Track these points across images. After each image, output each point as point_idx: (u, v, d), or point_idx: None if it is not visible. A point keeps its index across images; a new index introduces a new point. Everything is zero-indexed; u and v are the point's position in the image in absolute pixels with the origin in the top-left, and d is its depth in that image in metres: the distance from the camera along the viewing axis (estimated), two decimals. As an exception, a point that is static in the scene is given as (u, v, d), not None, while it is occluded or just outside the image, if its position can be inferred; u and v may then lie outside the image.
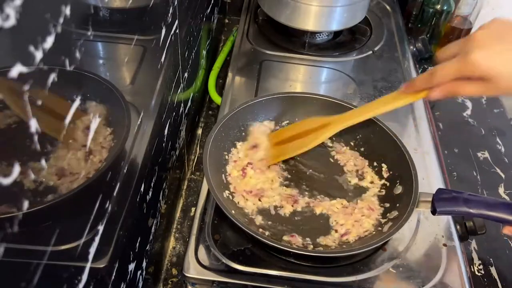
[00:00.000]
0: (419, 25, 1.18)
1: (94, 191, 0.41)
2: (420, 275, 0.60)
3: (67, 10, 0.32)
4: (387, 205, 0.64)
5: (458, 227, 0.66)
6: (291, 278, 0.58)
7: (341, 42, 1.03)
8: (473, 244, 0.77)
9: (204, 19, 0.89)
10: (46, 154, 0.34)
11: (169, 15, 0.58)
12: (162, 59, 0.58)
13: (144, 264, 0.60)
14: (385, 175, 0.69)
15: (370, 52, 0.99)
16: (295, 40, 1.01)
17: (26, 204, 0.31)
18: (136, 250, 0.55)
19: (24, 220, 0.30)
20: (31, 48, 0.28)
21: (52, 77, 0.31)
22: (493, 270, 0.73)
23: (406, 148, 0.66)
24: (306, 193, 0.67)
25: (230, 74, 0.91)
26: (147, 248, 0.61)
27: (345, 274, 0.59)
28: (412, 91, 0.61)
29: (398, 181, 0.66)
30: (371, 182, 0.69)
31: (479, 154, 0.93)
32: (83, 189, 0.38)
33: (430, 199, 0.58)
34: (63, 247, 0.37)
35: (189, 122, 0.83)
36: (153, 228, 0.63)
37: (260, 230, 0.61)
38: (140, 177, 0.53)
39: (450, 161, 0.90)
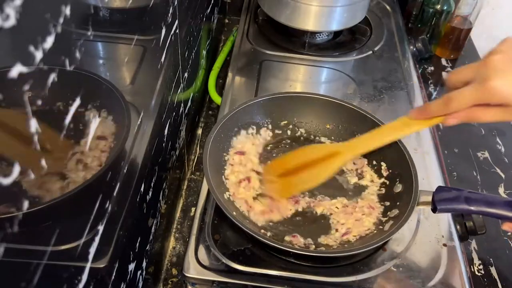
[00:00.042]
0: (419, 25, 1.18)
1: (94, 191, 0.41)
2: (420, 275, 0.60)
3: (67, 10, 0.32)
4: (388, 203, 0.65)
5: (458, 227, 0.66)
6: (291, 278, 0.58)
7: (341, 42, 1.03)
8: (473, 244, 0.77)
9: (204, 19, 0.89)
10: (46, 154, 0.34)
11: (169, 15, 0.58)
12: (162, 59, 0.58)
13: (144, 264, 0.60)
14: (385, 173, 0.69)
15: (370, 52, 0.99)
16: (295, 40, 1.01)
17: (26, 204, 0.31)
18: (136, 250, 0.55)
19: (24, 220, 0.30)
20: (31, 48, 0.28)
21: (52, 77, 0.31)
22: (493, 270, 0.73)
23: (405, 147, 0.66)
24: (307, 193, 0.67)
25: (230, 74, 0.91)
26: (147, 248, 0.61)
27: (345, 274, 0.59)
28: (426, 118, 0.58)
29: (398, 180, 0.66)
30: (371, 181, 0.69)
31: (479, 154, 0.93)
32: (83, 189, 0.38)
33: (430, 197, 0.58)
34: (63, 247, 0.37)
35: (189, 122, 0.83)
36: (153, 228, 0.63)
37: (262, 231, 0.61)
38: (140, 177, 0.53)
39: (450, 161, 0.90)
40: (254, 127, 0.74)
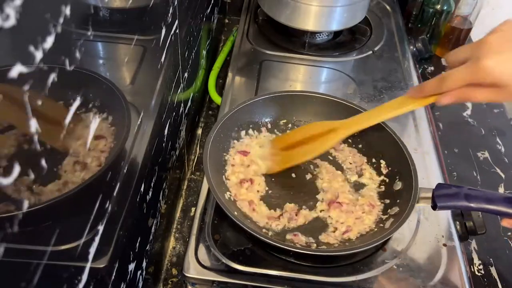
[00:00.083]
0: (419, 25, 1.18)
1: (94, 191, 0.41)
2: (420, 275, 0.60)
3: (67, 10, 0.32)
4: (387, 201, 0.65)
5: (458, 227, 0.66)
6: (291, 278, 0.58)
7: (341, 42, 1.03)
8: (473, 244, 0.77)
9: (204, 19, 0.89)
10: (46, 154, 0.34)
11: (169, 15, 0.58)
12: (162, 59, 0.58)
13: (144, 264, 0.60)
14: (384, 171, 0.69)
15: (370, 52, 0.99)
16: (295, 40, 1.01)
17: (26, 203, 0.31)
18: (136, 250, 0.55)
19: (24, 220, 0.30)
20: (31, 48, 0.28)
21: (52, 77, 0.31)
22: (493, 270, 0.73)
23: (404, 144, 0.66)
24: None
25: (230, 74, 0.91)
26: (147, 248, 0.61)
27: (345, 274, 0.59)
28: (421, 96, 0.60)
29: (397, 177, 0.66)
30: (371, 179, 0.69)
31: (479, 154, 0.93)
32: (83, 189, 0.38)
33: (430, 194, 0.58)
34: (63, 247, 0.37)
35: (189, 122, 0.83)
36: (153, 228, 0.63)
37: (264, 230, 0.61)
38: (140, 177, 0.53)
39: (450, 161, 0.90)
40: (254, 126, 0.74)
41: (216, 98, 0.96)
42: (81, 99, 0.37)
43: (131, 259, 0.54)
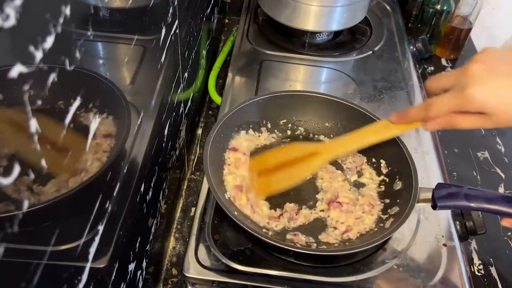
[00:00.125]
0: (419, 25, 1.18)
1: (94, 191, 0.41)
2: (420, 275, 0.60)
3: (67, 10, 0.32)
4: (387, 201, 0.65)
5: (458, 227, 0.66)
6: (291, 278, 0.58)
7: (341, 42, 1.03)
8: (473, 244, 0.77)
9: (204, 19, 0.89)
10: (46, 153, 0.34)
11: (169, 15, 0.58)
12: (162, 59, 0.58)
13: (144, 264, 0.60)
14: (384, 171, 0.69)
15: (370, 52, 0.99)
16: (295, 40, 1.01)
17: (26, 203, 0.31)
18: (136, 250, 0.55)
19: (24, 220, 0.30)
20: (31, 48, 0.28)
21: (52, 77, 0.31)
22: (493, 270, 0.73)
23: (404, 144, 0.66)
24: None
25: (230, 74, 0.91)
26: (147, 248, 0.61)
27: (345, 274, 0.59)
28: (406, 122, 0.60)
29: (397, 177, 0.66)
30: (371, 179, 0.69)
31: (479, 154, 0.93)
32: (83, 189, 0.38)
33: (430, 194, 0.58)
34: (63, 247, 0.37)
35: (189, 122, 0.83)
36: (153, 228, 0.63)
37: (264, 230, 0.61)
38: (140, 177, 0.53)
39: (450, 161, 0.90)
40: (254, 127, 0.74)
41: (216, 98, 0.96)
42: (81, 99, 0.37)
43: (131, 259, 0.54)
